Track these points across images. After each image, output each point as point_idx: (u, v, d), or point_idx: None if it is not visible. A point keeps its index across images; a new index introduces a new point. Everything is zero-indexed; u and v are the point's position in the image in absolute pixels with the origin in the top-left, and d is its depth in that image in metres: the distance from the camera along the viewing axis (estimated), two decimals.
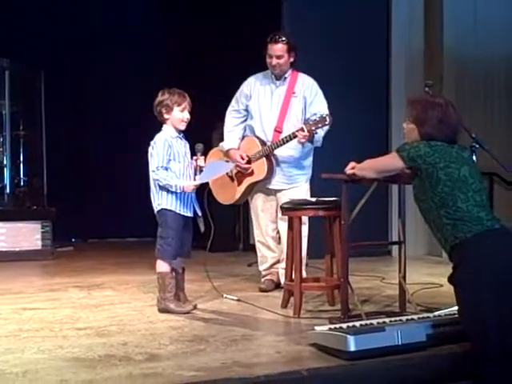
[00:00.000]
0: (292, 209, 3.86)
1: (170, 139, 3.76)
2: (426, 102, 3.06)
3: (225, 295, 4.14)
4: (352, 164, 3.29)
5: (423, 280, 4.70)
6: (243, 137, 4.48)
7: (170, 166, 3.73)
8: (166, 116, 3.77)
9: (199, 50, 7.46)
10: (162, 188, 3.72)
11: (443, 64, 6.36)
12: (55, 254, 6.46)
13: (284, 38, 4.30)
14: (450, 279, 2.82)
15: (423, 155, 2.89)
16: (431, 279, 4.73)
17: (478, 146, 4.15)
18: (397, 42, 6.48)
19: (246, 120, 4.48)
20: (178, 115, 3.77)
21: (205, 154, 3.95)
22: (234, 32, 6.95)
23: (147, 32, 7.62)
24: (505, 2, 6.45)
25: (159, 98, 3.79)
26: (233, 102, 4.53)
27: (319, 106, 4.28)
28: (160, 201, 3.74)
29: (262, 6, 6.58)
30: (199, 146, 3.86)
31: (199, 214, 3.82)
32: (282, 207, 3.99)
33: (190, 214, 3.79)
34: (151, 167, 3.74)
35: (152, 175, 3.73)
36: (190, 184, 3.72)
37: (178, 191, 3.70)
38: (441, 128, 2.95)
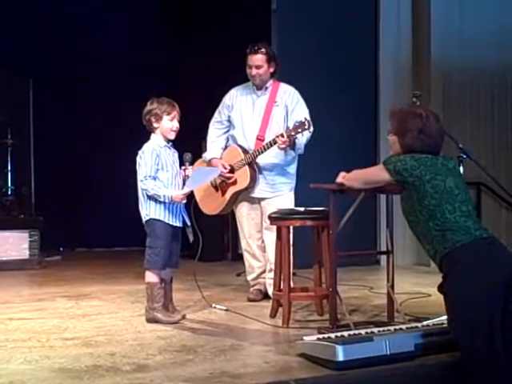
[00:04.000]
0: (280, 218, 3.87)
1: (158, 148, 3.75)
2: (406, 112, 3.08)
3: (214, 305, 4.12)
4: (342, 174, 3.32)
5: (411, 290, 4.72)
6: (226, 147, 4.50)
7: (158, 176, 3.73)
8: (155, 125, 3.77)
9: (189, 60, 7.48)
10: (151, 198, 3.71)
11: (431, 75, 6.41)
12: (43, 264, 6.41)
13: (263, 49, 4.34)
14: (440, 288, 2.83)
15: (409, 168, 2.91)
16: (419, 289, 4.74)
17: (465, 156, 4.19)
18: (385, 53, 6.53)
19: (228, 131, 4.51)
20: (168, 124, 3.77)
21: (193, 163, 3.94)
22: (224, 42, 6.96)
23: (138, 41, 7.61)
24: (491, 14, 6.52)
25: (148, 106, 3.78)
26: (215, 114, 4.56)
27: (301, 113, 4.30)
28: (148, 211, 3.73)
29: (251, 17, 6.61)
30: (187, 156, 3.86)
31: (188, 223, 3.82)
32: (270, 216, 3.99)
33: (178, 223, 3.78)
34: (139, 177, 3.73)
35: (140, 185, 3.72)
36: (178, 194, 3.71)
37: (167, 201, 3.69)
38: (421, 139, 2.97)
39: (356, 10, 6.42)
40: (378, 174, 3.08)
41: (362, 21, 6.48)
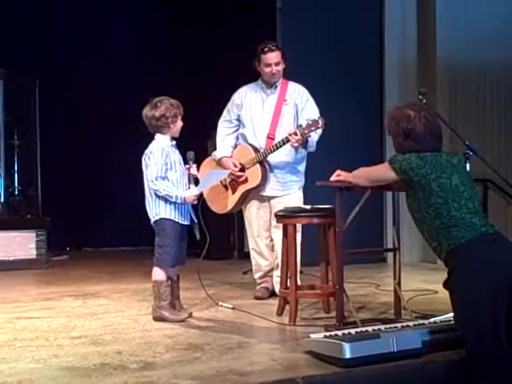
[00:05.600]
0: (287, 216, 3.87)
1: (166, 148, 3.76)
2: (397, 114, 3.06)
3: (220, 303, 4.13)
4: (338, 172, 3.32)
5: (418, 287, 4.71)
6: (236, 145, 4.50)
7: (167, 176, 3.74)
8: (171, 126, 3.77)
9: (193, 59, 7.49)
10: (160, 197, 3.72)
11: (436, 72, 6.40)
12: (50, 263, 6.44)
13: (278, 46, 4.40)
14: (445, 284, 2.83)
15: (415, 167, 2.90)
16: (426, 286, 4.73)
17: (471, 153, 4.18)
18: (390, 50, 6.52)
19: (237, 130, 4.50)
20: (180, 124, 3.82)
21: (197, 162, 3.95)
22: (229, 41, 6.97)
23: (142, 41, 7.63)
24: (496, 12, 6.51)
25: (161, 110, 3.72)
26: (224, 113, 4.55)
27: (311, 111, 4.31)
28: (158, 210, 3.74)
29: (256, 15, 6.61)
30: (191, 155, 3.87)
31: (195, 221, 3.83)
32: (276, 215, 3.99)
33: (187, 222, 3.80)
34: (149, 177, 3.72)
35: (151, 185, 3.71)
36: (190, 195, 3.73)
37: (178, 201, 3.71)
38: (408, 143, 2.96)
39: (361, 7, 6.42)
40: (383, 172, 3.07)
41: (367, 18, 6.48)
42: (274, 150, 4.25)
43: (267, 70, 4.34)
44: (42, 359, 2.90)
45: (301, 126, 4.13)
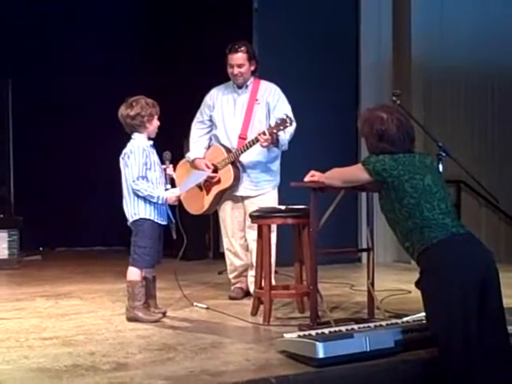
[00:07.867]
0: (261, 217, 3.87)
1: (146, 148, 3.75)
2: (370, 116, 3.07)
3: (195, 303, 4.11)
4: (312, 172, 3.33)
5: (392, 286, 4.75)
6: (209, 147, 4.49)
7: (147, 176, 3.72)
8: (147, 125, 3.75)
9: (168, 58, 7.45)
10: (140, 197, 3.70)
11: (411, 74, 6.46)
12: (22, 263, 6.35)
13: (243, 48, 4.33)
14: (417, 284, 2.86)
15: (388, 169, 2.92)
16: (400, 286, 4.77)
17: (445, 154, 4.22)
18: (366, 51, 6.56)
19: (210, 131, 4.50)
20: (156, 124, 3.80)
21: (173, 162, 3.94)
22: (205, 42, 6.95)
23: (117, 40, 7.57)
24: (471, 15, 6.60)
25: (136, 109, 3.71)
26: (197, 114, 4.56)
27: (282, 110, 4.28)
28: (137, 210, 3.71)
29: (232, 16, 6.60)
30: (167, 155, 3.86)
31: (173, 220, 3.82)
32: (251, 215, 3.99)
33: (165, 222, 3.79)
34: (129, 178, 3.69)
35: (132, 186, 3.69)
36: (172, 195, 3.72)
37: (160, 202, 3.69)
38: (383, 146, 2.98)
39: (337, 8, 6.45)
40: (357, 173, 3.09)
41: (343, 20, 6.51)
42: (245, 150, 4.25)
43: (230, 70, 4.35)
44: (12, 360, 2.87)
45: (269, 125, 4.14)
